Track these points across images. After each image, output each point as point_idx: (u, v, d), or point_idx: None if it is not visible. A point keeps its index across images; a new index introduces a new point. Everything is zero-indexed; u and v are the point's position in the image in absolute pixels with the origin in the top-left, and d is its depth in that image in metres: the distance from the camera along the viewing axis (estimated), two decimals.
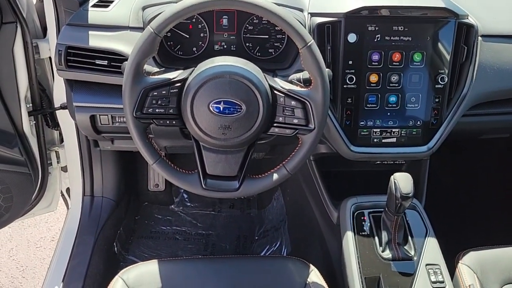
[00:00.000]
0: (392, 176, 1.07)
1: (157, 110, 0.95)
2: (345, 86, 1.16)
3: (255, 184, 1.00)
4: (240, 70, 0.93)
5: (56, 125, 1.56)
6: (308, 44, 0.92)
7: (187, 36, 1.24)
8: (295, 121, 0.96)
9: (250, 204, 1.93)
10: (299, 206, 1.54)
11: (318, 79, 0.94)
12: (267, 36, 1.24)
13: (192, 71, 0.96)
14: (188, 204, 1.91)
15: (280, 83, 0.98)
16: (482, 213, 1.74)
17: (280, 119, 0.97)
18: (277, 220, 1.78)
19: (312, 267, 1.16)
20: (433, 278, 1.08)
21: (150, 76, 0.95)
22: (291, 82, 1.00)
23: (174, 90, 0.95)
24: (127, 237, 1.72)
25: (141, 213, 1.86)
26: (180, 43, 1.24)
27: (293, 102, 0.96)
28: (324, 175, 1.36)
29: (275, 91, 0.96)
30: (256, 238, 1.76)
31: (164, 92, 0.94)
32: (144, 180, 1.88)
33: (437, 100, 1.19)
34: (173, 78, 0.95)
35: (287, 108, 0.96)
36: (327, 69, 1.02)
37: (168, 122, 0.97)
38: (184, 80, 0.95)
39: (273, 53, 1.26)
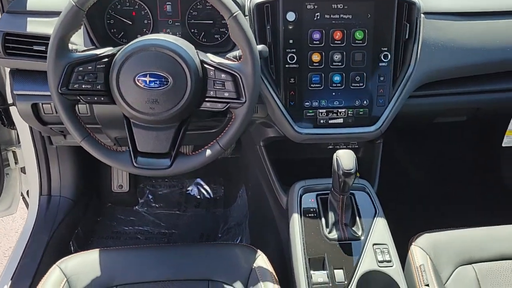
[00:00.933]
0: (334, 154, 1.05)
1: (83, 86, 0.93)
2: (287, 65, 1.15)
3: (188, 161, 0.97)
4: (167, 43, 0.92)
5: (11, 123, 1.54)
6: (234, 15, 0.91)
7: (130, 23, 1.23)
8: (226, 94, 0.95)
9: (216, 203, 1.90)
10: (259, 199, 1.51)
11: (247, 50, 0.93)
12: (211, 22, 1.23)
13: (122, 48, 0.95)
14: (153, 204, 1.87)
15: (210, 57, 0.97)
16: (438, 197, 1.71)
17: (211, 93, 0.96)
18: (240, 216, 1.75)
19: (259, 252, 1.12)
20: (380, 257, 1.05)
21: (77, 52, 0.94)
22: (226, 58, 0.99)
23: (101, 66, 0.93)
24: (87, 237, 1.68)
25: (103, 214, 1.82)
26: (123, 30, 1.23)
27: (223, 75, 0.94)
28: (276, 162, 1.34)
29: (205, 65, 0.95)
30: (220, 235, 1.72)
31: (90, 67, 0.93)
32: (108, 181, 1.85)
33: (382, 78, 1.18)
34: (100, 54, 0.94)
35: (217, 82, 0.95)
36: (262, 45, 1.01)
37: (96, 98, 0.95)
38: (111, 56, 0.94)
39: (219, 38, 1.25)
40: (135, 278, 1.06)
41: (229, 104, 0.95)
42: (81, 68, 0.92)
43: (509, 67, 1.28)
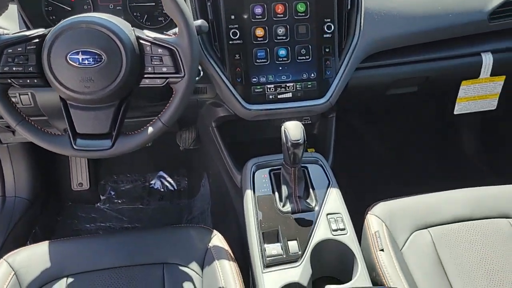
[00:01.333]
0: (282, 126, 1.04)
1: (14, 69, 0.90)
2: (230, 42, 1.14)
3: (130, 140, 0.95)
4: (98, 20, 0.90)
5: None
6: None
7: (69, 9, 1.20)
8: (164, 69, 0.93)
9: (180, 194, 1.87)
10: (219, 184, 1.49)
11: (181, 23, 0.91)
12: (153, 4, 1.22)
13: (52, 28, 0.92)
14: (116, 200, 1.84)
15: (146, 33, 0.95)
16: (395, 168, 1.73)
17: (149, 69, 0.94)
18: (204, 205, 1.73)
19: (215, 232, 1.11)
20: (334, 226, 1.04)
21: (6, 34, 0.91)
22: (164, 34, 0.97)
23: (32, 47, 0.90)
24: (45, 237, 1.63)
25: (63, 213, 1.77)
26: (62, 17, 1.19)
27: (160, 50, 0.93)
28: (230, 143, 1.33)
29: (141, 41, 0.93)
30: (183, 225, 1.69)
31: (20, 49, 0.90)
32: (67, 180, 1.81)
33: (327, 50, 1.18)
34: (30, 35, 0.91)
35: (155, 57, 0.93)
36: (201, 20, 1.00)
37: (29, 81, 0.92)
38: (42, 36, 0.91)
39: (163, 21, 1.23)
40: (87, 267, 1.03)
41: (168, 79, 0.93)
42: (10, 50, 0.89)
43: (454, 34, 1.30)
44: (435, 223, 1.15)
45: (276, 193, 1.11)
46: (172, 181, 1.90)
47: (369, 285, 0.93)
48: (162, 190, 1.88)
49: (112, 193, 1.85)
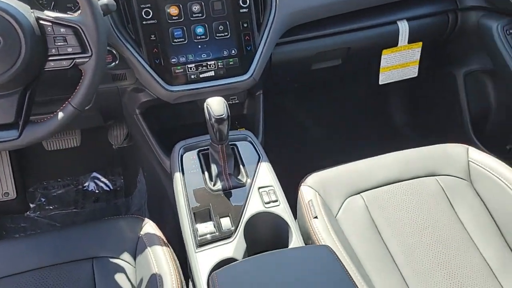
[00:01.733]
0: (204, 103, 1.02)
1: None
2: (144, 22, 1.10)
3: (39, 128, 0.89)
4: None
5: None
6: None
7: None
8: (70, 49, 0.88)
9: (116, 193, 1.80)
10: (153, 176, 1.44)
11: (83, 0, 0.86)
12: None
13: None
14: (47, 207, 1.73)
15: (47, 13, 0.89)
16: (327, 140, 1.76)
17: (53, 50, 0.88)
18: (141, 201, 1.67)
19: (146, 220, 1.07)
20: (266, 199, 1.03)
21: None
22: (67, 14, 0.92)
23: None
24: None
25: None
26: None
27: (62, 30, 0.87)
28: (157, 130, 1.29)
29: (41, 21, 0.87)
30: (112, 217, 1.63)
31: None
32: None
33: (245, 25, 1.17)
34: None
35: (58, 38, 0.88)
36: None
37: None
38: None
39: (73, 7, 1.17)
40: (8, 271, 0.96)
41: (74, 60, 0.88)
42: None
43: (369, 3, 1.33)
44: (366, 188, 1.17)
45: (206, 173, 1.08)
46: (107, 181, 1.82)
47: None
48: (97, 191, 1.80)
49: (43, 199, 1.75)
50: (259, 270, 0.69)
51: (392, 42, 1.42)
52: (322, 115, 1.77)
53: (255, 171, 1.09)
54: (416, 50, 1.48)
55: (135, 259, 1.00)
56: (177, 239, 1.09)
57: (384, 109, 1.80)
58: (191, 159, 1.12)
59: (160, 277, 0.92)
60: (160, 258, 0.97)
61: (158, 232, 1.03)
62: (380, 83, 1.51)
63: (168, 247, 1.00)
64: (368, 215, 1.11)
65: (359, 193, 1.16)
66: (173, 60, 1.13)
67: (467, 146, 1.24)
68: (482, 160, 1.19)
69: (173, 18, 1.12)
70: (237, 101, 1.31)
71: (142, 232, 1.03)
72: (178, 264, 0.97)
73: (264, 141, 1.29)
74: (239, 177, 1.09)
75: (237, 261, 0.73)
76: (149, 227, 1.04)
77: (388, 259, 1.02)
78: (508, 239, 1.06)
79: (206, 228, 0.97)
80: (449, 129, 1.65)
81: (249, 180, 1.07)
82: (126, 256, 1.00)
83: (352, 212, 1.11)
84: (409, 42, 1.44)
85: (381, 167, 1.21)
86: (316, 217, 1.05)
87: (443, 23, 1.47)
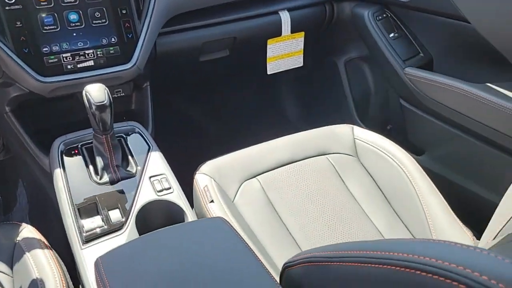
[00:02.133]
0: (83, 91, 0.94)
1: None
2: (7, 8, 0.99)
3: None
4: None
5: None
6: None
7: None
8: None
9: None
10: (33, 181, 1.31)
11: None
12: None
13: None
14: None
15: None
16: (221, 131, 1.77)
17: None
18: (22, 215, 1.51)
19: (24, 225, 0.96)
20: (158, 187, 0.98)
21: None
22: None
23: None
24: None
25: None
26: None
27: None
28: (35, 131, 1.17)
29: None
30: None
31: None
32: None
33: (124, 12, 1.11)
34: None
35: None
36: None
37: None
38: None
39: None
40: None
41: None
42: None
43: None
44: (261, 171, 1.17)
45: (91, 166, 1.01)
46: None
47: None
48: None
49: None
50: (150, 247, 0.64)
51: (276, 32, 1.46)
52: (215, 109, 1.76)
53: (145, 161, 1.04)
54: (299, 40, 1.54)
55: (12, 268, 0.89)
56: (64, 241, 0.99)
57: (276, 99, 1.85)
58: (72, 154, 1.03)
59: (42, 282, 0.82)
60: (41, 262, 0.87)
61: (38, 236, 0.93)
62: (268, 72, 1.54)
63: (51, 249, 0.90)
64: (264, 196, 1.11)
65: (254, 177, 1.16)
66: (44, 49, 1.04)
67: (352, 125, 1.30)
68: (366, 136, 1.27)
69: (42, 3, 1.03)
70: (123, 94, 1.25)
71: (19, 238, 0.92)
72: (64, 267, 0.88)
73: (155, 134, 1.24)
74: (128, 168, 1.03)
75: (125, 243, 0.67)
76: (27, 231, 0.94)
77: (282, 228, 1.03)
78: (393, 204, 1.13)
79: (93, 223, 0.89)
80: (336, 114, 1.73)
81: (139, 170, 1.01)
82: (1, 266, 0.88)
83: (249, 195, 1.11)
84: (292, 32, 1.49)
85: (274, 151, 1.23)
86: (212, 201, 1.02)
87: (321, 14, 1.54)
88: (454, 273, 0.37)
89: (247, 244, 0.68)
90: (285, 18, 1.45)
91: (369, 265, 0.48)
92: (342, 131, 1.30)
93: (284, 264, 0.67)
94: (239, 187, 1.13)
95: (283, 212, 1.09)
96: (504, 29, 1.13)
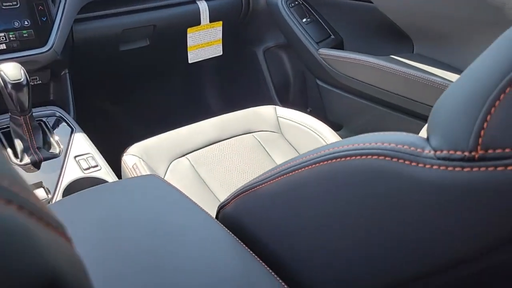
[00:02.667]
0: None
1: None
2: None
3: None
4: None
5: None
6: None
7: None
8: None
9: None
10: None
11: None
12: None
13: None
14: None
15: None
16: (145, 119, 1.76)
17: None
18: None
19: None
20: (84, 165, 0.97)
21: None
22: None
23: None
24: None
25: None
26: None
27: None
28: None
29: None
30: None
31: None
32: None
33: None
34: None
35: None
36: None
37: None
38: None
39: None
40: None
41: None
42: None
43: None
44: (190, 150, 1.19)
45: (9, 149, 0.96)
46: None
47: None
48: None
49: None
50: (79, 206, 0.63)
51: (195, 21, 1.50)
52: (138, 101, 1.75)
53: (69, 142, 1.02)
54: (217, 29, 1.58)
55: None
56: None
57: (199, 90, 1.87)
58: None
59: None
60: None
61: None
62: (190, 61, 1.56)
63: None
64: (195, 172, 1.13)
65: (183, 156, 1.17)
66: None
67: (275, 106, 1.37)
68: (288, 114, 1.33)
69: None
70: (40, 82, 1.21)
71: None
72: None
73: (77, 118, 1.21)
74: (51, 150, 1.00)
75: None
76: None
77: (215, 200, 1.06)
78: None
79: None
80: (258, 102, 1.80)
81: (63, 150, 0.99)
82: None
83: (179, 172, 1.12)
84: (210, 21, 1.53)
85: (201, 131, 1.25)
86: None
87: (238, 4, 1.60)
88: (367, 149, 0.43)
89: (185, 195, 0.70)
90: (203, 7, 1.49)
91: (293, 172, 0.52)
92: (265, 111, 1.36)
93: (218, 206, 0.70)
94: (169, 166, 1.13)
95: (214, 186, 1.11)
96: (402, 7, 1.26)
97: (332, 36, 1.50)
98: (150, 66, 1.67)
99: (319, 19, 1.52)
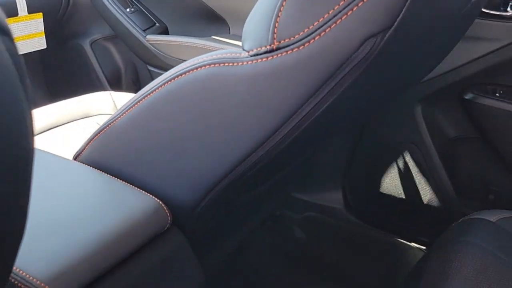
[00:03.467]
0: None
1: None
2: None
3: None
4: None
5: None
6: None
7: None
8: None
9: None
10: None
11: None
12: None
13: None
14: None
15: None
16: None
17: None
18: None
19: None
20: None
21: None
22: None
23: None
24: None
25: None
26: None
27: None
28: None
29: None
30: None
31: None
32: None
33: None
34: None
35: None
36: None
37: None
38: None
39: None
40: None
41: None
42: None
43: None
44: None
45: None
46: None
47: None
48: None
49: None
50: None
51: (12, 12, 1.44)
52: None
53: None
54: (38, 21, 1.55)
55: None
56: None
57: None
58: None
59: None
60: None
61: None
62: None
63: None
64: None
65: None
66: None
67: (110, 91, 1.42)
68: (124, 98, 1.40)
69: None
70: None
71: None
72: None
73: None
74: None
75: None
76: None
77: None
78: None
79: None
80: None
81: None
82: None
83: None
84: (29, 12, 1.49)
85: (40, 117, 1.24)
86: None
87: None
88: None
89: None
90: None
91: (144, 99, 0.62)
92: (101, 97, 1.40)
93: (73, 157, 0.74)
94: None
95: None
96: None
97: (157, 24, 1.61)
98: None
99: (143, 9, 1.62)
